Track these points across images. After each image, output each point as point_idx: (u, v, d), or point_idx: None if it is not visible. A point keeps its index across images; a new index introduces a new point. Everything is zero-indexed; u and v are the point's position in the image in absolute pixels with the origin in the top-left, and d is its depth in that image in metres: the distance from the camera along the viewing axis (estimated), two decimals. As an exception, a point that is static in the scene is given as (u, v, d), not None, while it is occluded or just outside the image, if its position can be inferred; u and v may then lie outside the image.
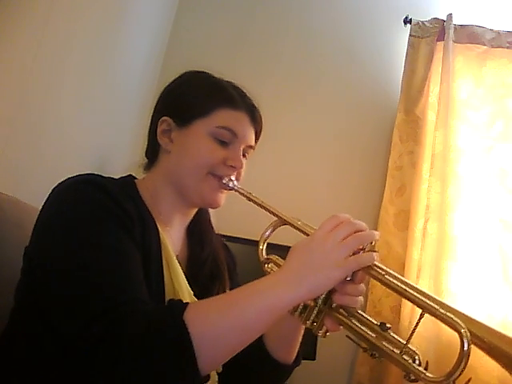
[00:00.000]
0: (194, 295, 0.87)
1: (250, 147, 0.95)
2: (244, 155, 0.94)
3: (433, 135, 2.04)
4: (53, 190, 0.80)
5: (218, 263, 0.98)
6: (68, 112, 1.46)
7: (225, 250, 1.06)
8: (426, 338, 1.77)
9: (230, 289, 0.98)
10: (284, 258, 0.74)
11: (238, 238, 1.70)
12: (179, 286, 0.83)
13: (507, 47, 2.10)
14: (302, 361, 1.74)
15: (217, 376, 0.88)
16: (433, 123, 2.07)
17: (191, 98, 0.92)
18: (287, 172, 2.22)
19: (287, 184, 2.19)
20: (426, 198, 1.98)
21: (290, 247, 0.73)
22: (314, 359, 1.80)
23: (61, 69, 1.38)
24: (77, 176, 0.81)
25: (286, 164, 2.23)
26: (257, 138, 0.97)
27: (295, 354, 0.95)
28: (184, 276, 0.86)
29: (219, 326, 0.65)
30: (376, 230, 2.04)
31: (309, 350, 1.77)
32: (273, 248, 0.88)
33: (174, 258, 0.86)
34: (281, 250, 0.84)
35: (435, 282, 1.88)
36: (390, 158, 2.12)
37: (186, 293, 0.84)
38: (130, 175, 0.94)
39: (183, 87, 0.96)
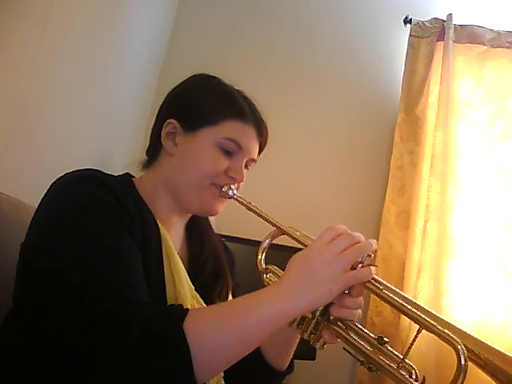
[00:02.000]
0: (196, 291, 0.87)
1: (253, 160, 0.95)
2: (246, 167, 0.94)
3: (433, 135, 2.04)
4: (51, 185, 0.79)
5: (219, 261, 0.98)
6: (68, 112, 1.46)
7: (224, 248, 1.06)
8: (428, 340, 1.78)
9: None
10: (283, 260, 0.74)
11: (238, 238, 1.70)
12: (180, 280, 0.83)
13: (507, 47, 2.09)
14: (302, 361, 1.74)
15: (222, 372, 0.88)
16: (433, 123, 2.07)
17: (201, 105, 0.91)
18: (289, 173, 2.22)
19: (289, 184, 2.19)
20: (426, 198, 1.98)
21: (290, 247, 0.73)
22: (314, 359, 1.79)
23: (60, 69, 1.38)
24: (76, 171, 0.80)
25: (288, 165, 2.22)
26: (260, 151, 0.97)
27: (289, 361, 0.96)
28: (185, 271, 0.86)
29: (218, 337, 0.65)
30: (378, 229, 2.05)
31: (309, 350, 1.75)
32: (274, 249, 0.89)
33: (175, 253, 0.85)
34: (281, 251, 0.84)
35: (435, 282, 1.88)
36: (391, 157, 2.12)
37: (186, 288, 0.84)
38: (127, 173, 0.94)
39: (193, 92, 0.94)
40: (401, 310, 0.70)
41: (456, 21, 2.14)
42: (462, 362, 0.62)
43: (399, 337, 1.84)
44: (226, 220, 1.60)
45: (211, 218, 1.64)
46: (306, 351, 1.76)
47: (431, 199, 1.96)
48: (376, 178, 2.18)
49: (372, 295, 2.06)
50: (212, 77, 0.97)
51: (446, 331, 0.65)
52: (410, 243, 1.99)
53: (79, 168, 0.81)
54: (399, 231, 2.04)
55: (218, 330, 0.65)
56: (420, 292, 1.87)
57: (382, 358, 0.71)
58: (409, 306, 0.69)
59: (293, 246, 0.84)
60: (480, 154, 2.02)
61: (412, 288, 1.90)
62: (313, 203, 2.13)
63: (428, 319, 0.67)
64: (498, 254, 1.90)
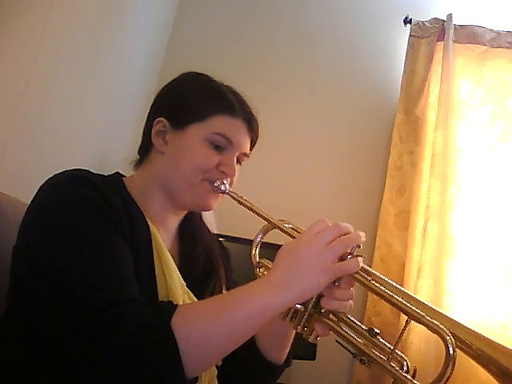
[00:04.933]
0: (187, 287, 0.87)
1: (245, 155, 0.95)
2: (238, 162, 0.94)
3: (433, 135, 2.04)
4: (40, 187, 0.80)
5: (211, 260, 0.98)
6: (68, 112, 1.46)
7: (219, 246, 1.06)
8: (424, 337, 1.78)
9: (226, 285, 0.98)
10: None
11: (238, 238, 1.70)
12: (171, 277, 0.83)
13: (507, 47, 2.09)
14: (302, 361, 1.74)
15: (216, 371, 0.88)
16: (433, 123, 2.07)
17: (189, 102, 0.91)
18: (287, 173, 2.22)
19: (287, 185, 2.19)
20: (426, 198, 1.98)
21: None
22: (314, 359, 1.79)
23: (61, 68, 1.38)
24: (64, 172, 0.80)
25: (286, 165, 2.23)
26: (252, 146, 0.98)
27: (286, 355, 0.96)
28: (176, 267, 0.86)
29: (206, 331, 0.65)
30: (376, 230, 2.06)
31: (309, 349, 1.77)
32: (269, 248, 0.89)
33: (166, 249, 0.86)
34: (277, 250, 0.84)
35: (435, 282, 1.88)
36: (390, 158, 2.12)
37: (177, 284, 0.84)
38: (117, 172, 0.94)
39: (182, 89, 0.95)
40: (389, 300, 0.70)
41: (456, 21, 2.14)
42: (451, 352, 0.62)
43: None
44: (226, 220, 1.61)
45: (212, 218, 1.64)
46: (306, 351, 1.76)
47: (431, 199, 1.96)
48: (375, 178, 2.18)
49: (370, 296, 2.05)
50: (200, 74, 0.97)
51: (435, 321, 0.65)
52: (409, 243, 1.99)
53: (68, 169, 0.81)
54: (399, 231, 2.04)
55: (206, 325, 0.65)
56: (420, 292, 1.87)
57: (372, 349, 0.72)
58: (397, 297, 0.69)
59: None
60: (480, 154, 2.02)
61: (412, 288, 1.90)
62: (311, 203, 2.13)
63: (416, 310, 0.67)
64: (497, 254, 1.90)
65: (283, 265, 0.70)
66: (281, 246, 0.74)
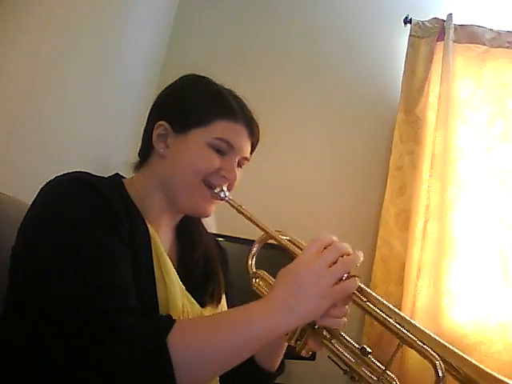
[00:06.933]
0: (187, 290, 0.87)
1: (245, 159, 0.95)
2: (239, 165, 0.94)
3: (433, 135, 2.04)
4: (41, 190, 0.80)
5: (210, 263, 0.98)
6: (69, 112, 1.46)
7: (217, 248, 1.06)
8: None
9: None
10: (275, 261, 0.74)
11: (238, 238, 1.70)
12: (170, 281, 0.83)
13: (507, 47, 2.09)
14: (302, 361, 1.74)
15: None
16: (433, 123, 2.07)
17: (191, 106, 0.91)
18: (288, 173, 2.22)
19: (288, 185, 2.19)
20: (426, 198, 1.98)
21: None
22: (314, 359, 1.79)
23: (62, 68, 1.38)
24: (64, 174, 0.80)
25: (287, 165, 2.23)
26: (252, 150, 0.98)
27: (279, 362, 0.96)
28: (175, 271, 0.86)
29: (202, 351, 0.65)
30: (377, 230, 2.05)
31: (309, 350, 1.76)
32: (269, 248, 0.89)
33: (164, 253, 0.86)
34: (277, 250, 0.85)
35: (435, 282, 1.88)
36: (390, 158, 2.12)
37: (177, 288, 0.84)
38: (117, 174, 0.94)
39: (183, 93, 0.94)
40: (383, 323, 0.70)
41: (456, 21, 2.14)
42: (440, 375, 0.64)
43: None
44: (226, 220, 1.60)
45: (212, 218, 1.64)
46: (305, 351, 1.76)
47: (431, 199, 1.96)
48: (376, 178, 2.18)
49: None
50: (201, 76, 0.97)
51: (425, 347, 0.66)
52: (409, 243, 1.99)
53: (69, 171, 0.81)
54: (399, 231, 2.04)
55: (202, 344, 0.65)
56: (420, 292, 1.87)
57: (363, 369, 0.72)
58: (390, 320, 0.69)
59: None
60: (480, 154, 2.02)
61: (412, 288, 1.90)
62: (312, 204, 2.13)
63: (409, 334, 0.68)
64: (497, 255, 1.90)
65: (284, 288, 0.69)
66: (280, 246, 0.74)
